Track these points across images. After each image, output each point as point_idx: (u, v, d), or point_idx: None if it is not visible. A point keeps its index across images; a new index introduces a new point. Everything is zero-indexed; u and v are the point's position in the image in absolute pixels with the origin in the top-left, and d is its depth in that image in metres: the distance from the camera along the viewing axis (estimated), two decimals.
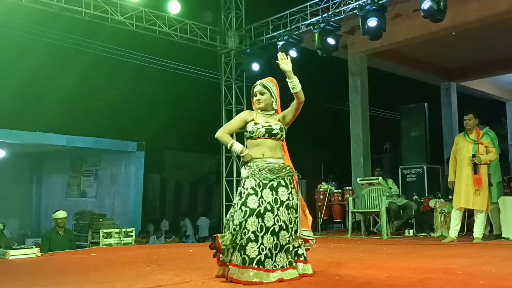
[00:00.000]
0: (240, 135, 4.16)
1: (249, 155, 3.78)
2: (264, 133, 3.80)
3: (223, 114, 10.41)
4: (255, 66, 10.00)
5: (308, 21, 9.17)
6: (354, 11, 8.46)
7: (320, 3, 8.96)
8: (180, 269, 4.48)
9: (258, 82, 3.98)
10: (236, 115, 10.42)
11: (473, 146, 6.75)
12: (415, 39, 9.84)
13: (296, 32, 9.37)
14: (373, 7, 8.04)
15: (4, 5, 8.56)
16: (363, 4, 8.26)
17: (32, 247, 6.58)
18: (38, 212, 15.50)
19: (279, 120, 3.88)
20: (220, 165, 10.61)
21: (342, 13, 8.74)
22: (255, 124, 3.84)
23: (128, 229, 8.65)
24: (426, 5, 7.52)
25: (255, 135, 3.82)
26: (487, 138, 6.84)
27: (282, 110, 3.98)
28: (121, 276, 4.31)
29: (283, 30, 9.52)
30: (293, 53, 9.26)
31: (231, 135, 4.02)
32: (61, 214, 7.89)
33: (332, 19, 8.83)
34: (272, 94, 3.92)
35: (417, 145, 10.79)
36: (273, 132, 3.81)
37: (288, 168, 3.82)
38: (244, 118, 3.94)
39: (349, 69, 10.82)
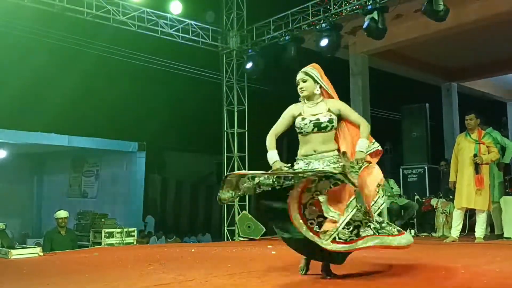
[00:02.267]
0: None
1: (279, 167, 3.53)
2: (312, 128, 3.60)
3: (225, 115, 10.41)
4: (257, 66, 9.99)
5: (309, 21, 9.17)
6: (356, 11, 8.47)
7: (321, 3, 8.96)
8: (183, 268, 4.48)
9: (301, 71, 3.79)
10: (237, 115, 10.51)
11: (475, 146, 6.78)
12: (416, 40, 9.84)
13: (297, 32, 9.38)
14: (375, 7, 8.03)
15: (5, 5, 8.57)
16: (364, 4, 8.26)
17: (34, 247, 6.59)
18: (39, 213, 15.53)
19: (329, 110, 3.65)
20: (221, 166, 10.61)
21: (343, 13, 8.74)
22: (303, 119, 3.64)
23: (130, 229, 8.66)
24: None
25: (304, 131, 3.63)
26: (488, 138, 6.87)
27: (338, 97, 3.78)
28: (125, 275, 4.32)
29: (285, 30, 9.52)
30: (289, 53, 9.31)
31: (282, 134, 3.77)
32: (62, 214, 7.90)
33: (333, 19, 8.83)
34: (316, 79, 3.70)
35: (418, 145, 10.79)
36: (322, 125, 3.60)
37: (338, 165, 3.54)
38: (292, 114, 3.73)
39: (350, 69, 10.80)
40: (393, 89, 14.09)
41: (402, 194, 9.43)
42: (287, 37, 9.36)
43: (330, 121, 3.61)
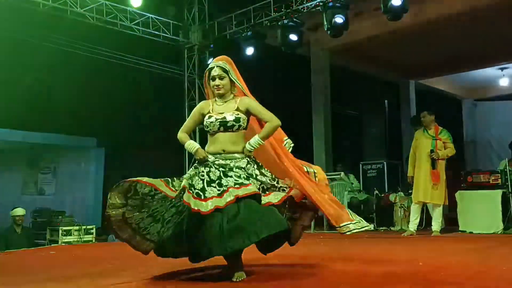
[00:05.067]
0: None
1: (202, 153, 3.44)
2: (218, 126, 3.44)
3: (186, 110, 10.31)
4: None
5: (271, 17, 9.19)
6: (317, 8, 8.54)
7: None
8: (145, 266, 4.40)
9: (213, 64, 3.55)
10: None
11: (432, 142, 6.96)
12: (376, 37, 10.00)
13: (259, 28, 9.39)
14: (336, 4, 8.12)
15: None
16: (326, 1, 8.34)
17: None
18: None
19: (238, 109, 3.48)
20: (182, 163, 10.51)
21: (305, 10, 8.80)
22: (209, 117, 3.48)
23: (88, 226, 8.47)
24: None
25: (211, 130, 3.48)
26: (445, 134, 7.05)
27: (250, 92, 3.62)
28: (83, 273, 4.21)
29: (247, 26, 9.51)
30: (250, 50, 9.30)
31: (193, 133, 3.75)
32: (19, 211, 7.67)
33: (294, 15, 8.88)
34: (231, 77, 3.53)
35: (377, 141, 11.02)
36: (228, 124, 3.43)
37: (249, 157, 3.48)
38: (200, 111, 3.57)
39: (311, 66, 10.91)
40: (353, 86, 14.26)
41: (361, 189, 9.60)
42: (249, 33, 9.36)
43: (237, 120, 3.44)
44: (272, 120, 3.49)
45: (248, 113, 3.51)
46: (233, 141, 3.44)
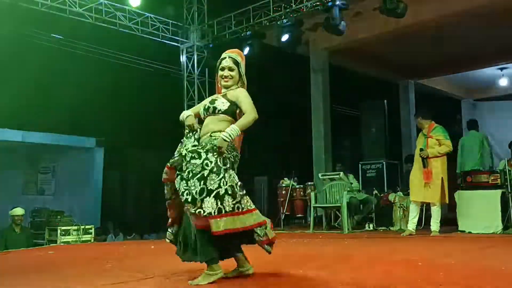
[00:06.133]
0: None
1: (191, 120, 3.44)
2: (203, 112, 3.51)
3: (185, 110, 10.30)
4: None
5: (270, 17, 9.18)
6: (316, 7, 8.53)
7: None
8: (142, 265, 4.40)
9: (226, 54, 3.57)
10: None
11: (424, 140, 6.93)
12: (375, 37, 10.00)
13: (259, 28, 9.38)
14: (335, 4, 8.12)
15: None
16: (325, 1, 8.33)
17: None
18: None
19: (224, 95, 3.49)
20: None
21: (304, 9, 8.80)
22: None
23: (87, 226, 8.46)
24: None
25: (202, 116, 3.55)
26: (438, 131, 6.94)
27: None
28: (81, 273, 4.20)
29: (246, 25, 9.51)
30: (249, 50, 9.31)
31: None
32: (19, 211, 7.66)
33: (294, 15, 8.87)
34: (241, 71, 3.53)
35: (376, 141, 10.98)
36: (206, 107, 3.48)
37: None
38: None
39: (311, 65, 10.90)
40: (352, 85, 14.27)
41: (361, 189, 9.58)
42: (248, 32, 9.35)
43: (212, 101, 3.46)
44: (247, 111, 3.35)
45: (235, 102, 3.44)
46: (213, 122, 3.43)
